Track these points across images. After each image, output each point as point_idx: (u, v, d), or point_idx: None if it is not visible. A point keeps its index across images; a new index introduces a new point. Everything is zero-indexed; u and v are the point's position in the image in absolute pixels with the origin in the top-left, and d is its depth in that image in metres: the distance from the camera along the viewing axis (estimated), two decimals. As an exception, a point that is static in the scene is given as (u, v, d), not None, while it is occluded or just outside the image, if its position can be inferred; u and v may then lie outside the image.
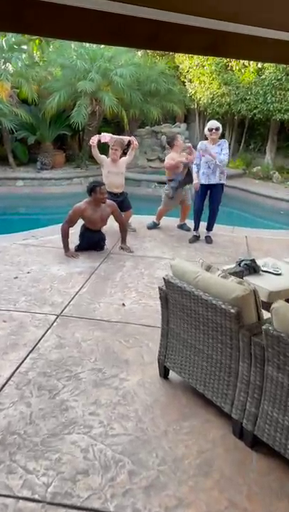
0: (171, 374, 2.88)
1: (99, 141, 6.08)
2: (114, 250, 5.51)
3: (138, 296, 4.16)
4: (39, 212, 10.31)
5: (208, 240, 5.99)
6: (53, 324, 3.56)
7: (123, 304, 3.98)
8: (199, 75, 13.41)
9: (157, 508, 1.93)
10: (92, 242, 5.43)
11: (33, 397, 2.66)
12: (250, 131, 13.25)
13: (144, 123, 13.89)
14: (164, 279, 2.63)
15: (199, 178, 5.77)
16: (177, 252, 5.57)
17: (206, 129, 5.80)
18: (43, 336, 3.37)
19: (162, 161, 13.35)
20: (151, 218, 6.82)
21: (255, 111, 11.78)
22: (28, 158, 11.77)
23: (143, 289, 4.35)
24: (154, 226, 6.54)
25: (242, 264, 3.63)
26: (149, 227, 6.50)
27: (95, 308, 3.89)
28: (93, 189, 5.17)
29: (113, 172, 6.06)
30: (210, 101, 13.15)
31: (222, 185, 5.86)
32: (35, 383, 2.79)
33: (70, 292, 4.20)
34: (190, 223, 6.35)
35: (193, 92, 13.74)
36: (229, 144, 14.37)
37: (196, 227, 6.05)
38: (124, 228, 5.65)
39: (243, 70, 12.10)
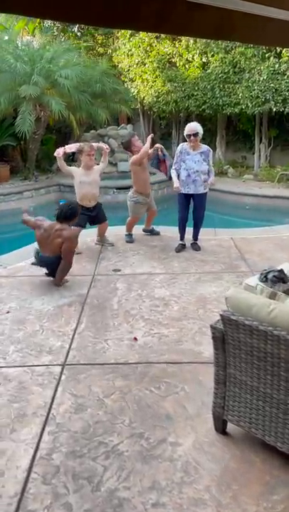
0: (230, 426, 2.36)
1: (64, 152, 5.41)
2: (98, 271, 4.88)
3: (148, 326, 3.59)
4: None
5: (196, 247, 5.54)
6: (60, 379, 2.89)
7: (135, 339, 3.39)
8: (141, 73, 12.99)
9: None
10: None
11: (71, 493, 2.01)
12: (197, 128, 13.04)
13: (90, 127, 13.25)
14: (221, 316, 2.10)
15: (179, 184, 5.29)
16: (168, 264, 5.06)
17: (185, 133, 5.24)
18: (54, 397, 2.71)
19: (114, 165, 12.83)
20: (122, 228, 6.28)
21: (204, 106, 11.56)
22: None
23: (149, 315, 3.79)
24: (131, 238, 5.96)
25: (270, 277, 3.18)
26: (128, 241, 5.90)
27: (103, 348, 3.26)
28: (76, 214, 4.53)
29: (86, 182, 5.43)
30: (155, 99, 12.77)
31: (205, 193, 5.42)
32: (66, 471, 2.14)
33: (66, 332, 3.53)
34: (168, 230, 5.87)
35: (136, 92, 13.30)
36: (177, 143, 14.23)
37: (182, 237, 5.56)
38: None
39: (187, 66, 11.83)
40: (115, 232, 6.35)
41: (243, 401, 2.17)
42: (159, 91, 12.48)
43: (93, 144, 5.81)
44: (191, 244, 5.61)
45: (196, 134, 5.14)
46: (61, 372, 2.96)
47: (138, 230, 6.23)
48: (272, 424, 2.07)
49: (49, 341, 3.38)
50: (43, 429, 2.43)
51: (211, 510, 1.91)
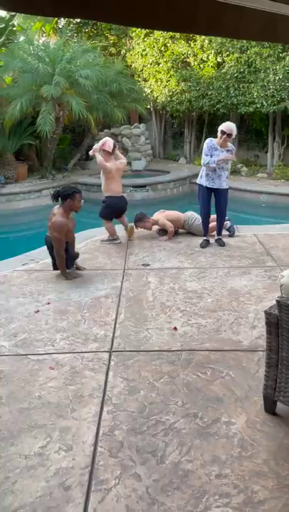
0: (278, 408, 2.50)
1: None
2: (128, 265, 5.03)
3: (185, 316, 3.73)
4: (10, 231, 9.53)
5: (221, 242, 5.68)
6: (110, 364, 3.05)
7: (175, 328, 3.53)
8: (155, 73, 13.14)
9: None
10: (71, 256, 4.78)
11: (138, 465, 2.16)
12: (209, 127, 13.15)
13: (104, 126, 13.41)
14: (278, 302, 2.24)
15: (201, 179, 5.46)
16: (195, 259, 5.20)
17: (220, 128, 5.31)
18: (106, 380, 2.86)
19: (128, 163, 12.97)
20: None
21: (218, 105, 11.68)
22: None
23: (185, 306, 3.93)
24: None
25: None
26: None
27: (146, 337, 3.41)
28: (72, 195, 4.52)
29: (117, 174, 5.83)
30: (168, 99, 12.91)
31: (227, 189, 5.55)
32: (130, 445, 2.29)
33: (108, 321, 3.68)
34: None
35: (149, 91, 13.44)
36: (189, 142, 14.36)
37: (206, 232, 5.70)
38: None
39: (201, 65, 11.96)
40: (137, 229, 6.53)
41: (295, 382, 2.31)
42: (173, 90, 12.63)
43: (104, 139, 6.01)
44: (216, 239, 5.74)
45: (230, 135, 5.26)
46: (109, 358, 3.11)
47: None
48: None
49: (93, 330, 3.53)
50: (102, 408, 2.58)
51: (271, 481, 2.05)
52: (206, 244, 5.66)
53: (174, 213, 6.20)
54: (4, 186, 10.12)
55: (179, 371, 2.94)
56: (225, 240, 5.77)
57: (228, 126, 5.27)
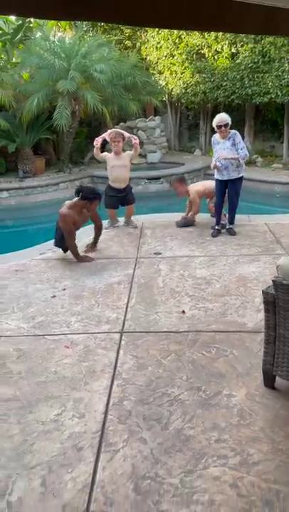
0: (277, 383, 2.66)
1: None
2: (140, 254, 5.22)
3: (193, 301, 3.91)
4: (28, 224, 9.83)
5: (232, 231, 5.81)
6: (120, 344, 3.25)
7: (183, 312, 3.71)
8: (170, 66, 13.20)
9: None
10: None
11: (143, 430, 2.37)
12: (225, 119, 13.15)
13: (120, 119, 13.56)
14: (274, 281, 2.39)
15: (216, 172, 5.62)
16: (206, 248, 5.35)
17: (213, 124, 5.52)
18: (117, 358, 3.07)
19: (143, 156, 13.12)
20: (153, 217, 6.93)
21: (233, 96, 11.71)
22: (5, 168, 11.21)
23: (193, 292, 4.10)
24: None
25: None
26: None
27: (155, 320, 3.61)
28: (93, 200, 4.92)
29: (117, 165, 5.94)
30: (183, 91, 12.97)
31: (240, 178, 5.67)
32: (137, 414, 2.49)
33: (119, 305, 3.89)
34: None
35: (164, 84, 13.52)
36: (205, 133, 14.39)
37: (218, 222, 5.84)
38: (100, 232, 5.45)
39: (216, 57, 11.98)
40: (151, 219, 6.73)
41: (291, 357, 2.47)
42: (188, 82, 12.69)
43: (125, 133, 6.16)
44: (227, 229, 5.87)
45: (226, 125, 5.40)
46: (120, 339, 3.32)
47: (177, 217, 6.53)
48: None
49: (105, 313, 3.75)
50: (112, 382, 2.79)
51: (266, 445, 2.22)
52: (217, 234, 5.80)
53: (210, 183, 6.19)
54: (23, 180, 10.42)
55: (185, 350, 3.13)
56: (236, 229, 5.90)
57: (219, 119, 5.44)
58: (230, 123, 5.49)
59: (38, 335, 3.44)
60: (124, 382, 2.80)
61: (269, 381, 2.65)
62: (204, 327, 3.44)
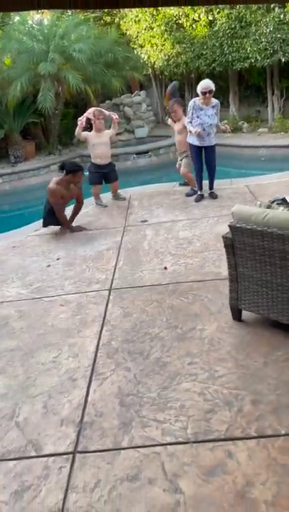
0: (244, 316, 3.05)
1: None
2: (128, 223, 5.58)
3: (175, 259, 4.29)
4: (24, 207, 10.15)
5: (213, 195, 6.13)
6: (109, 298, 3.66)
7: (165, 268, 4.10)
8: (150, 38, 13.21)
9: (292, 423, 2.13)
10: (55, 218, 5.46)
11: (128, 361, 2.78)
12: (209, 87, 13.24)
13: (105, 97, 13.66)
14: (229, 226, 2.76)
15: (192, 138, 5.84)
16: (189, 212, 5.69)
17: (198, 90, 5.66)
18: (106, 309, 3.47)
19: (131, 132, 13.30)
20: (141, 188, 7.25)
21: (213, 64, 11.78)
22: (-3, 155, 11.47)
23: (176, 251, 4.48)
24: (195, 193, 6.27)
25: (275, 203, 3.79)
26: (189, 195, 6.34)
27: (140, 276, 4.00)
28: (75, 172, 5.23)
29: (98, 143, 6.23)
30: (165, 63, 13.03)
31: (215, 144, 5.94)
32: (123, 350, 2.91)
33: (108, 268, 4.28)
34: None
35: (146, 57, 13.55)
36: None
37: (200, 187, 6.16)
38: (79, 210, 5.72)
39: (194, 26, 12.00)
40: (139, 191, 7.07)
41: (251, 291, 2.86)
42: (169, 54, 12.72)
43: (105, 111, 6.43)
44: (209, 193, 6.19)
45: (211, 91, 5.61)
46: (109, 294, 3.72)
47: (166, 186, 6.85)
48: (274, 303, 2.75)
49: (95, 275, 4.14)
50: (102, 328, 3.20)
51: (231, 363, 2.63)
52: (200, 199, 6.13)
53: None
54: (15, 165, 10.70)
55: (165, 298, 3.52)
56: (218, 193, 6.22)
57: (204, 84, 5.60)
58: (214, 89, 5.70)
59: (36, 298, 3.85)
60: (112, 327, 3.21)
61: (236, 315, 3.04)
62: (183, 279, 3.83)
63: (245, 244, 2.73)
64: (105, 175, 6.45)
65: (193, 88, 13.88)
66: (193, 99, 5.81)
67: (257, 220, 2.62)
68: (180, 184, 6.99)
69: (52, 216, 5.36)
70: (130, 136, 13.04)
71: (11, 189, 10.28)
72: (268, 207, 2.79)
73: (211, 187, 6.20)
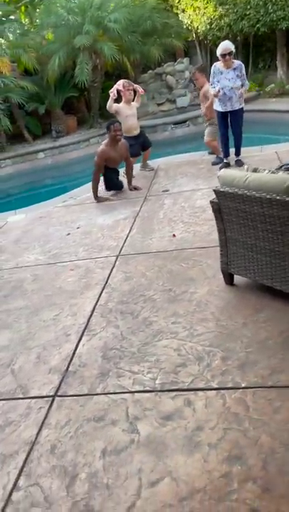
0: (237, 280, 3.10)
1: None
2: (150, 193, 5.67)
3: (186, 226, 4.35)
4: (65, 180, 10.51)
5: (239, 163, 6.01)
6: (115, 264, 3.84)
7: (174, 235, 4.19)
8: (192, 2, 12.75)
9: (254, 378, 2.21)
10: (114, 181, 5.90)
11: (119, 320, 2.97)
12: (256, 50, 12.63)
13: (147, 67, 13.48)
14: (214, 190, 2.80)
15: (216, 104, 5.73)
16: (211, 181, 5.64)
17: (217, 53, 5.55)
18: (110, 274, 3.66)
19: (172, 101, 13.09)
20: (169, 158, 7.22)
21: (258, 25, 11.20)
22: (41, 131, 11.85)
23: (188, 219, 4.53)
24: (221, 161, 6.24)
25: (283, 168, 3.71)
26: (215, 163, 6.32)
27: (148, 244, 4.13)
28: (111, 124, 5.61)
29: (130, 115, 6.28)
30: (208, 27, 12.56)
31: (241, 109, 5.78)
32: (116, 310, 3.10)
33: (121, 236, 4.44)
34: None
35: (189, 22, 13.13)
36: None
37: (226, 154, 6.06)
38: (130, 170, 5.99)
39: (237, -15, 11.41)
40: (167, 161, 7.10)
41: (239, 255, 2.90)
42: (212, 17, 12.24)
43: (133, 83, 6.47)
44: (236, 161, 6.08)
45: (230, 53, 5.45)
46: (116, 260, 3.91)
47: (193, 156, 6.81)
48: (259, 267, 2.78)
49: (108, 243, 4.33)
50: (102, 291, 3.41)
51: (211, 323, 2.73)
52: (225, 167, 6.02)
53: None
54: (56, 140, 11.04)
55: (167, 264, 3.64)
56: (245, 160, 6.09)
57: (223, 46, 5.42)
58: (234, 51, 5.55)
59: (51, 263, 4.13)
60: (111, 290, 3.40)
61: (227, 279, 3.10)
62: (189, 246, 3.91)
63: (230, 209, 2.77)
64: (141, 144, 6.51)
65: (239, 52, 13.33)
66: (215, 64, 5.68)
67: (239, 183, 2.63)
68: (209, 153, 6.91)
69: (109, 181, 5.85)
70: (172, 106, 12.84)
71: (53, 163, 10.66)
72: (255, 170, 2.77)
73: (237, 154, 6.08)
